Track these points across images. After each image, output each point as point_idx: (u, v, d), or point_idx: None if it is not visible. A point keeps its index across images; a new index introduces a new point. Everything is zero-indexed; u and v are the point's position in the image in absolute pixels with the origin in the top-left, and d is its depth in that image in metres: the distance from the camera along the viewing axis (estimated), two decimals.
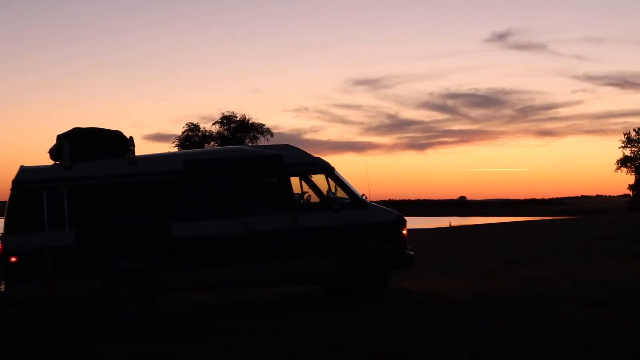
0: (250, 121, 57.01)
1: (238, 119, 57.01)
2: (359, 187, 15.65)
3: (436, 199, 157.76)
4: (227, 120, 57.06)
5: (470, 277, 17.33)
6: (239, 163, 14.93)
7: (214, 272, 14.36)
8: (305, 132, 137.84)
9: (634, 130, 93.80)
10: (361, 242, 15.03)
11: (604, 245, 24.52)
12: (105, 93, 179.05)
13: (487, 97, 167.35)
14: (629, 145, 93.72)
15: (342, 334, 11.52)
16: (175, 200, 14.40)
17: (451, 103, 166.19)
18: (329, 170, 15.23)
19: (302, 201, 15.16)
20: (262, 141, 56.96)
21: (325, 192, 15.14)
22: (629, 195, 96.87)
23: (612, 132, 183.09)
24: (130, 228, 14.13)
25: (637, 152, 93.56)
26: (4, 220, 13.84)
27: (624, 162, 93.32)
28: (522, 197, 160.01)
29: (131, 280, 14.16)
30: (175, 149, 55.76)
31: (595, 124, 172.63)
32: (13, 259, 13.66)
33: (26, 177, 14.11)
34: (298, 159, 15.15)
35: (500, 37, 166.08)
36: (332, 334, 11.59)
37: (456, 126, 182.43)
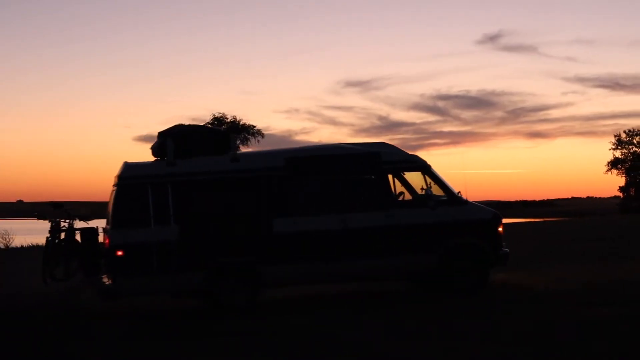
0: (241, 122, 56.91)
1: (229, 120, 56.91)
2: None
3: None
4: (218, 121, 56.92)
5: None
6: (338, 160, 15.11)
7: (313, 267, 14.57)
8: (296, 133, 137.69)
9: (625, 132, 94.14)
10: (458, 239, 15.16)
11: (601, 246, 24.45)
12: (96, 94, 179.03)
13: (478, 98, 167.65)
14: (619, 147, 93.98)
15: (339, 335, 11.50)
16: (276, 197, 14.62)
17: (442, 105, 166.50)
18: (425, 168, 15.41)
19: (398, 198, 15.30)
20: (253, 142, 56.89)
21: (418, 190, 15.29)
22: (619, 197, 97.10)
23: (603, 133, 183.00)
24: (233, 223, 14.38)
25: (628, 153, 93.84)
26: (110, 214, 14.12)
27: (614, 163, 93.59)
28: (512, 199, 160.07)
29: (233, 274, 14.37)
30: None
31: (586, 126, 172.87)
32: (119, 253, 13.86)
33: (131, 173, 14.40)
34: (395, 156, 15.32)
35: (491, 39, 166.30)
36: (331, 334, 11.58)
37: (447, 128, 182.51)
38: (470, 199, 15.48)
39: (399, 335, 11.25)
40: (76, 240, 15.43)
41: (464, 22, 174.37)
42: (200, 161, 14.61)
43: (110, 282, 14.04)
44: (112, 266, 13.94)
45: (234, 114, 60.70)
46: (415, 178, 15.38)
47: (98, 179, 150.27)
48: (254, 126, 57.35)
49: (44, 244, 15.76)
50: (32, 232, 60.74)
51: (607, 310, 12.36)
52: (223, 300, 14.26)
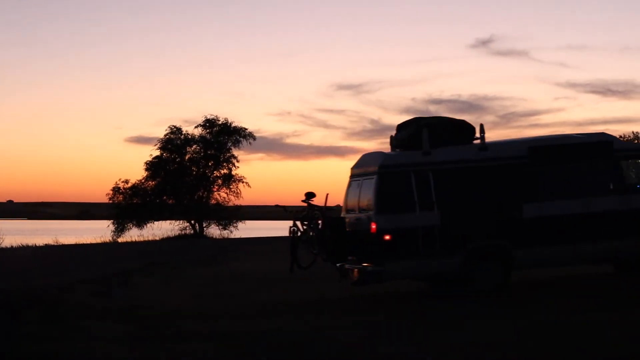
0: (233, 125, 56.68)
1: (221, 122, 56.67)
2: None
3: None
4: (209, 123, 56.69)
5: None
6: (576, 148, 16.00)
7: (558, 250, 15.46)
8: (288, 136, 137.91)
9: None
10: None
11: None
12: (87, 95, 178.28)
13: (469, 103, 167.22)
14: None
15: (325, 338, 11.54)
16: (523, 183, 15.47)
17: (434, 109, 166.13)
18: None
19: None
20: (245, 145, 56.71)
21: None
22: None
23: None
24: (485, 209, 15.22)
25: None
26: (373, 201, 14.86)
27: None
28: None
29: (488, 257, 15.19)
30: (157, 152, 55.53)
31: (577, 131, 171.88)
32: (387, 237, 14.65)
33: (392, 162, 15.29)
34: (623, 145, 16.42)
35: (483, 44, 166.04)
36: (323, 338, 11.60)
37: None
38: None
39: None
40: (322, 229, 15.94)
41: (456, 27, 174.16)
42: (452, 150, 15.49)
43: (374, 266, 14.73)
44: (380, 250, 14.71)
45: (225, 115, 59.86)
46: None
47: (90, 180, 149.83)
48: (246, 129, 57.05)
49: (290, 234, 16.52)
50: (22, 233, 60.76)
51: (597, 315, 12.27)
52: (478, 282, 14.99)
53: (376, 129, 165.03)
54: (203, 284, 19.53)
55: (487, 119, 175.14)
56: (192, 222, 55.36)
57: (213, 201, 56.18)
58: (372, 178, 15.13)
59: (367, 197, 15.18)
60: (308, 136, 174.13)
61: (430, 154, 15.18)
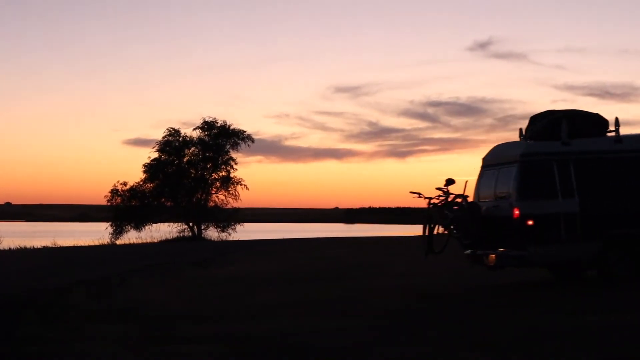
0: (231, 127, 56.71)
1: (219, 124, 56.71)
2: None
3: (417, 206, 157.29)
4: (208, 125, 56.72)
5: (455, 278, 17.25)
6: None
7: None
8: (286, 138, 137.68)
9: None
10: None
11: None
12: (85, 97, 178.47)
13: (467, 105, 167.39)
14: None
15: (326, 339, 11.51)
16: None
17: (432, 111, 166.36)
18: None
19: None
20: (243, 147, 56.80)
21: None
22: None
23: None
24: (620, 198, 15.91)
25: None
26: (515, 188, 15.49)
27: None
28: None
29: (622, 245, 15.83)
30: (156, 154, 55.60)
31: None
32: (530, 223, 15.29)
33: (533, 150, 16.02)
34: None
35: (482, 46, 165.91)
36: (324, 339, 11.58)
37: (437, 134, 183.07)
38: None
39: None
40: (465, 215, 16.31)
41: (454, 29, 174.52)
42: (590, 141, 16.25)
43: (516, 250, 15.31)
44: (524, 235, 15.27)
45: (224, 118, 59.97)
46: None
47: (88, 182, 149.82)
48: (244, 131, 57.09)
49: (425, 220, 16.63)
50: (20, 235, 60.72)
51: (594, 318, 12.30)
52: (614, 270, 15.56)
53: (374, 132, 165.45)
54: (203, 285, 19.50)
55: (485, 121, 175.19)
56: (191, 224, 55.38)
57: (211, 203, 56.28)
58: (513, 166, 15.75)
59: (505, 185, 15.79)
60: (306, 138, 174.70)
61: (569, 144, 15.85)
